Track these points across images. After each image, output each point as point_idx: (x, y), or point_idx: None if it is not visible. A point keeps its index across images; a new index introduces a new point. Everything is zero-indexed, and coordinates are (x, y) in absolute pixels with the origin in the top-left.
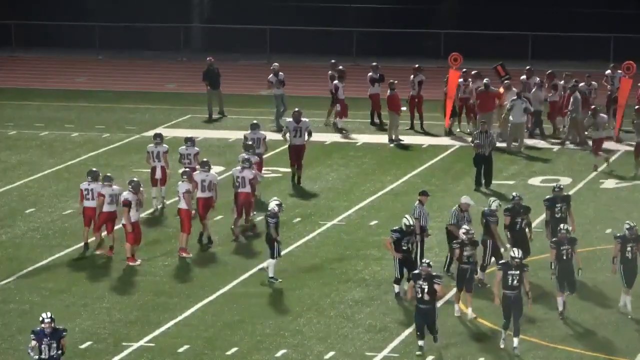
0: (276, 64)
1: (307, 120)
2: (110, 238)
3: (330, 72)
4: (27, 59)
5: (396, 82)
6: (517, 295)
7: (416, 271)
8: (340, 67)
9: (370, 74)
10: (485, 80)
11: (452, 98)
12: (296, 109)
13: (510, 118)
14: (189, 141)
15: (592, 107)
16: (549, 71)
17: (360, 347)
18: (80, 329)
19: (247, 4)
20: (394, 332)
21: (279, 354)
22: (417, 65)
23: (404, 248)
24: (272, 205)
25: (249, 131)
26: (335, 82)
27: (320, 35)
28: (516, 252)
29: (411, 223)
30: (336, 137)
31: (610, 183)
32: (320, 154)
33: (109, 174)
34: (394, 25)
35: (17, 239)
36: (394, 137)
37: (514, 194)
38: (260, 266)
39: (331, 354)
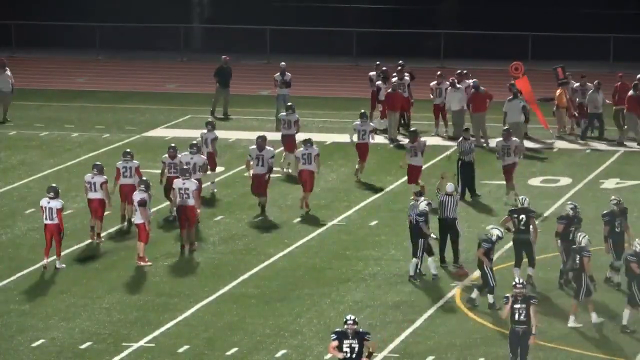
0: (283, 63)
1: (271, 149)
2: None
3: (371, 73)
4: (27, 59)
5: (395, 82)
6: (525, 330)
7: (340, 329)
8: (384, 67)
9: (395, 76)
10: (472, 82)
11: (534, 103)
12: (260, 135)
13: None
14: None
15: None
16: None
17: None
18: (80, 329)
19: (247, 5)
20: (393, 332)
21: (279, 354)
22: (399, 68)
23: (491, 257)
24: (423, 205)
25: (284, 113)
26: (379, 82)
27: (321, 36)
28: (518, 279)
29: (502, 235)
30: (336, 137)
31: (610, 183)
32: (320, 154)
33: (98, 162)
34: (394, 26)
35: (17, 239)
36: (393, 136)
37: (570, 203)
38: (434, 272)
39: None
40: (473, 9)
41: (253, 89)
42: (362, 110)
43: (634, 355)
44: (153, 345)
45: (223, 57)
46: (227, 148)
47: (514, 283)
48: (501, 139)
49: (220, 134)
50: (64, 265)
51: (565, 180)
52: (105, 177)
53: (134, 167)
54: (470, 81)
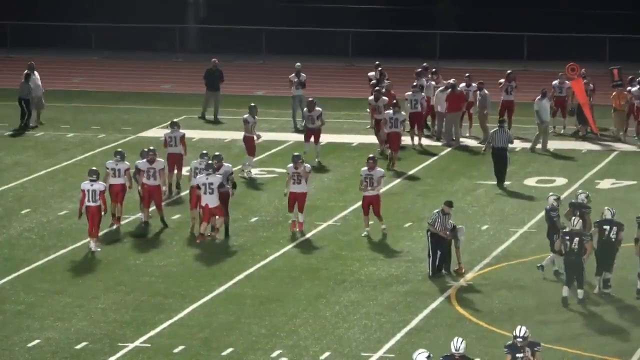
0: (299, 64)
1: (229, 165)
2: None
3: (370, 74)
4: (22, 59)
5: (389, 82)
6: None
7: None
8: (379, 68)
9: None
10: (451, 81)
11: (587, 104)
12: (216, 153)
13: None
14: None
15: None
16: (509, 71)
17: (355, 347)
18: (76, 329)
19: (242, 4)
20: (389, 332)
21: (274, 354)
22: (419, 70)
23: None
24: (551, 200)
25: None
26: (373, 82)
27: (316, 36)
28: (519, 331)
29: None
30: (331, 138)
31: (605, 184)
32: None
33: (120, 149)
34: (390, 26)
35: (13, 239)
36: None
37: (610, 209)
38: (540, 264)
39: (327, 354)
40: (469, 9)
41: (248, 90)
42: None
43: (629, 355)
44: (148, 345)
45: (212, 59)
46: (222, 148)
47: (514, 335)
48: (366, 168)
49: (215, 134)
50: (99, 249)
51: (560, 181)
52: (128, 163)
53: (178, 136)
54: (451, 80)
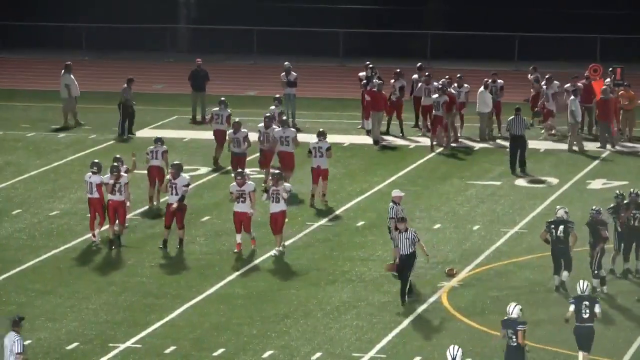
0: (287, 63)
1: (186, 176)
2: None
3: (360, 74)
4: (13, 59)
5: (381, 82)
6: None
7: None
8: (371, 66)
9: (415, 76)
10: (441, 82)
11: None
12: (175, 163)
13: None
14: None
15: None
16: (493, 72)
17: (347, 348)
18: (67, 330)
19: (233, 5)
20: (380, 333)
21: (265, 355)
22: (398, 70)
23: None
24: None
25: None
26: (364, 81)
27: (307, 36)
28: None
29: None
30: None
31: (597, 184)
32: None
33: (159, 136)
34: (380, 26)
35: (4, 240)
36: (376, 137)
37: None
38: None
39: (318, 354)
40: (460, 9)
41: (240, 90)
42: (440, 81)
43: (620, 356)
44: (140, 346)
45: (197, 60)
46: (214, 149)
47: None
48: (271, 183)
49: (206, 134)
50: (97, 240)
51: (552, 181)
52: (166, 147)
53: (225, 114)
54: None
